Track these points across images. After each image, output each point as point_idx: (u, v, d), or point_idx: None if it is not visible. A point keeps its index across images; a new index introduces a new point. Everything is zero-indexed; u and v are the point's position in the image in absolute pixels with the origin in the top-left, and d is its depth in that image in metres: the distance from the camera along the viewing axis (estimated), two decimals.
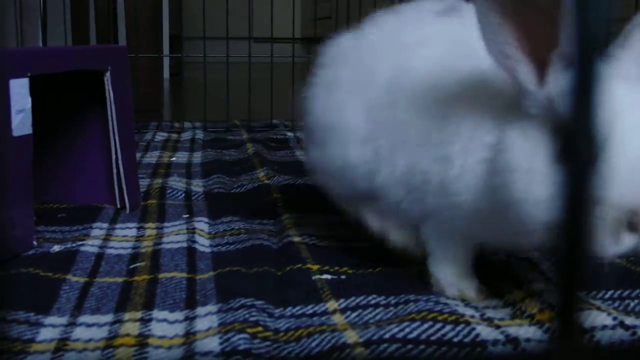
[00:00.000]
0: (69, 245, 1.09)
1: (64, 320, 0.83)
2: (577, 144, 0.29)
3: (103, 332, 0.80)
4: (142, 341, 0.78)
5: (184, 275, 0.97)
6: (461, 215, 0.82)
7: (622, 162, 0.66)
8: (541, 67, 0.71)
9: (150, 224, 1.23)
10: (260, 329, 0.79)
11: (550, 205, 0.67)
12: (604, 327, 0.80)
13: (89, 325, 0.82)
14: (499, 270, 0.92)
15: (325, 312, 0.86)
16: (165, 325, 0.82)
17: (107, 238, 1.14)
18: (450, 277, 0.91)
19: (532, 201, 0.70)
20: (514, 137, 0.73)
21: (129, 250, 1.09)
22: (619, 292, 0.91)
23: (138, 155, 1.86)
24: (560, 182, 0.29)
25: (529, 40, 0.71)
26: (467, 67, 0.83)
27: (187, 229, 1.18)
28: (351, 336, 0.78)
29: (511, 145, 0.73)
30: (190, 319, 0.84)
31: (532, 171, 0.70)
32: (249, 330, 0.78)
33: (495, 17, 0.71)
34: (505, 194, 0.73)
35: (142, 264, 1.02)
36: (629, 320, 0.82)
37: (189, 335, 0.79)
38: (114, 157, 1.29)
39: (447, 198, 0.82)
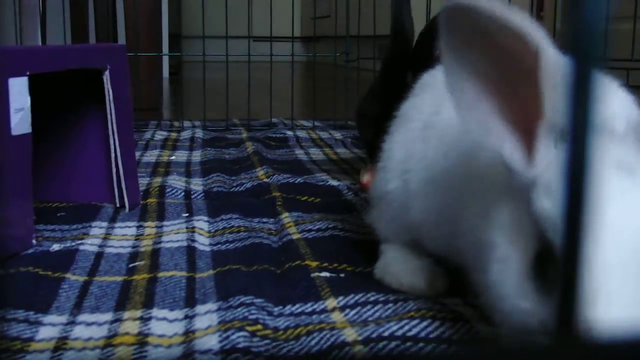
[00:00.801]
0: (68, 244, 1.09)
1: (63, 319, 0.83)
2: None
3: (102, 331, 0.80)
4: (141, 340, 0.78)
5: (184, 273, 0.97)
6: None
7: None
8: (528, 141, 0.61)
9: (149, 223, 1.23)
10: (259, 327, 0.79)
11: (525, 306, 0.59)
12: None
13: (88, 324, 0.82)
14: None
15: (324, 310, 0.86)
16: (165, 323, 0.82)
17: (106, 237, 1.14)
18: (397, 269, 0.93)
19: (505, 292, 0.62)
20: (499, 215, 0.64)
21: (129, 249, 1.09)
22: None
23: (137, 154, 1.86)
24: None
25: (511, 109, 0.62)
26: None
27: (187, 227, 1.18)
28: (350, 334, 0.78)
29: (495, 224, 0.64)
30: (189, 318, 0.84)
31: (508, 260, 0.61)
32: (248, 328, 0.78)
33: (469, 85, 0.62)
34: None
35: (142, 262, 1.02)
36: None
37: (189, 334, 0.79)
38: (113, 155, 1.29)
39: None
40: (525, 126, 0.60)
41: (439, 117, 0.87)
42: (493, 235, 0.63)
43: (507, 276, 0.60)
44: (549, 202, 0.56)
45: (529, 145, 0.60)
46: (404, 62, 1.43)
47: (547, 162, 0.59)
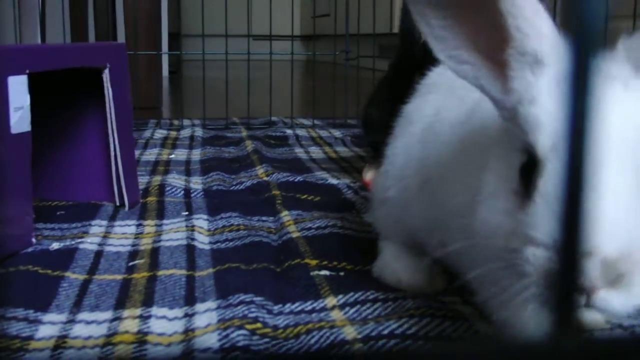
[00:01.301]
0: (67, 243, 1.09)
1: (63, 317, 0.83)
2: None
3: (102, 329, 0.80)
4: (141, 338, 0.78)
5: (183, 272, 0.97)
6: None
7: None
8: (503, 70, 0.61)
9: (149, 221, 1.23)
10: (259, 325, 0.79)
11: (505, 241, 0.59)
12: (601, 329, 0.81)
13: (88, 323, 0.82)
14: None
15: (324, 309, 0.86)
16: (165, 322, 0.82)
17: (106, 235, 1.15)
18: (396, 267, 0.93)
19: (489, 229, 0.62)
20: (489, 164, 0.64)
21: (128, 248, 1.09)
22: None
23: (137, 152, 1.86)
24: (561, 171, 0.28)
25: (480, 39, 0.61)
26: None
27: (186, 226, 1.18)
28: (350, 332, 0.78)
29: (486, 171, 0.64)
30: (189, 316, 0.84)
31: (496, 193, 0.61)
32: (248, 326, 0.78)
33: (436, 18, 0.62)
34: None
35: (141, 261, 1.02)
36: (628, 322, 0.83)
37: (188, 332, 0.79)
38: (113, 154, 1.29)
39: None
40: (498, 55, 0.61)
41: (438, 119, 0.87)
42: (484, 181, 0.64)
43: (495, 207, 0.61)
44: (534, 108, 0.57)
45: (504, 73, 0.61)
46: (412, 64, 1.42)
47: (525, 87, 0.59)
